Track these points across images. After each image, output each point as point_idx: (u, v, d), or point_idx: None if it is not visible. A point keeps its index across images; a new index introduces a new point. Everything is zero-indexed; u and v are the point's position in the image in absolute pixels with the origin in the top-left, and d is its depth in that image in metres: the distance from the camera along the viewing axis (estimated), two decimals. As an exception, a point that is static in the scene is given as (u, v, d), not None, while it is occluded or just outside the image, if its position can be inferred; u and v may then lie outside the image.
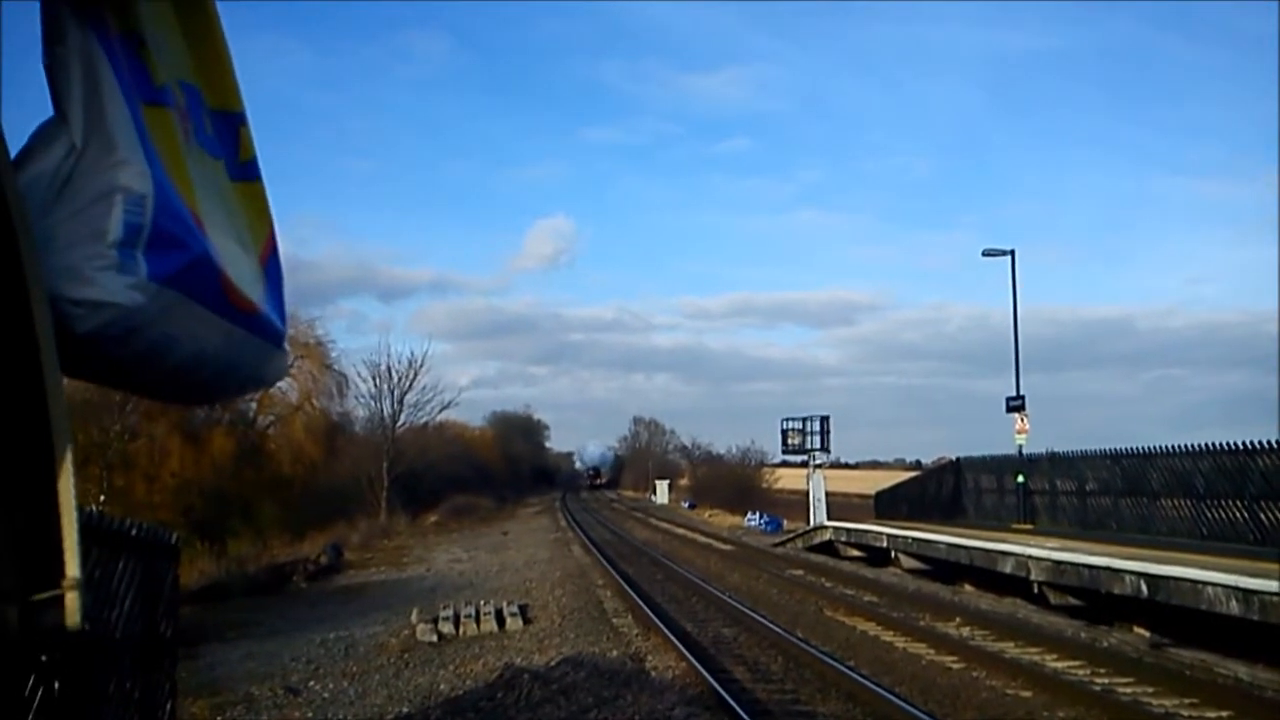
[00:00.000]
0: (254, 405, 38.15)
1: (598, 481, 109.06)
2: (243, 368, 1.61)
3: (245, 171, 1.84)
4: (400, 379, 45.25)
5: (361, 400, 44.79)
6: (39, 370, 1.07)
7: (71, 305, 1.26)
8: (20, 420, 1.03)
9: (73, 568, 1.05)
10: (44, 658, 1.00)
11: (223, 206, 1.63)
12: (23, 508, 1.00)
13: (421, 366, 46.07)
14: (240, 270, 1.56)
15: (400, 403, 45.45)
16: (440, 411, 50.11)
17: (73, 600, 1.03)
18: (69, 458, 1.08)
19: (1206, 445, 18.77)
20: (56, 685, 1.00)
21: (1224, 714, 9.09)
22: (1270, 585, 10.81)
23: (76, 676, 1.04)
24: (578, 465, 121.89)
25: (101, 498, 23.29)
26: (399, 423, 45.49)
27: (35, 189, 1.28)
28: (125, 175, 1.36)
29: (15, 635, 0.97)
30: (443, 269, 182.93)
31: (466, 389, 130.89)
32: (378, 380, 44.63)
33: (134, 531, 8.85)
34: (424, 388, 46.58)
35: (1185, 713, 9.21)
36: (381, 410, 44.96)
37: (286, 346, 1.71)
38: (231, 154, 1.81)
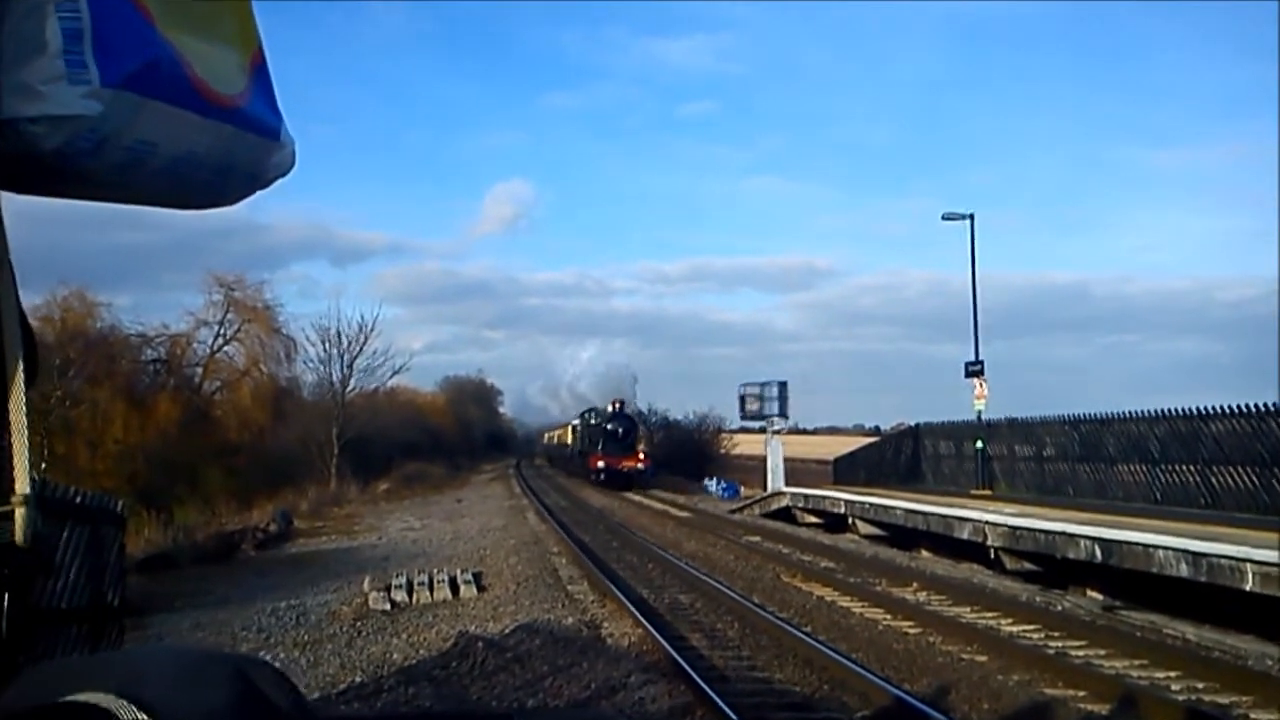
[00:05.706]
0: (200, 370, 37.43)
1: (624, 466, 40.66)
2: (241, 165, 1.61)
3: None
4: (350, 343, 44.41)
5: (310, 365, 43.96)
6: None
7: (29, 124, 1.27)
8: None
9: (22, 484, 1.09)
10: None
11: (189, 2, 1.56)
12: None
13: (372, 330, 45.11)
14: (212, 65, 1.52)
15: (350, 368, 44.66)
16: (392, 376, 49.31)
17: (21, 516, 1.08)
18: (20, 369, 1.12)
19: (1161, 411, 19.08)
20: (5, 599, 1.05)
21: (1171, 674, 9.24)
22: (1217, 549, 11.00)
23: (21, 594, 1.08)
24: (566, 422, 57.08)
25: (43, 465, 22.73)
26: (349, 388, 44.80)
27: None
28: None
29: None
30: (399, 233, 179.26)
31: (419, 353, 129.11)
32: (327, 345, 43.70)
33: (79, 499, 8.53)
34: (375, 352, 45.76)
35: (1135, 674, 9.34)
36: (331, 375, 44.15)
37: (286, 138, 1.67)
38: None
